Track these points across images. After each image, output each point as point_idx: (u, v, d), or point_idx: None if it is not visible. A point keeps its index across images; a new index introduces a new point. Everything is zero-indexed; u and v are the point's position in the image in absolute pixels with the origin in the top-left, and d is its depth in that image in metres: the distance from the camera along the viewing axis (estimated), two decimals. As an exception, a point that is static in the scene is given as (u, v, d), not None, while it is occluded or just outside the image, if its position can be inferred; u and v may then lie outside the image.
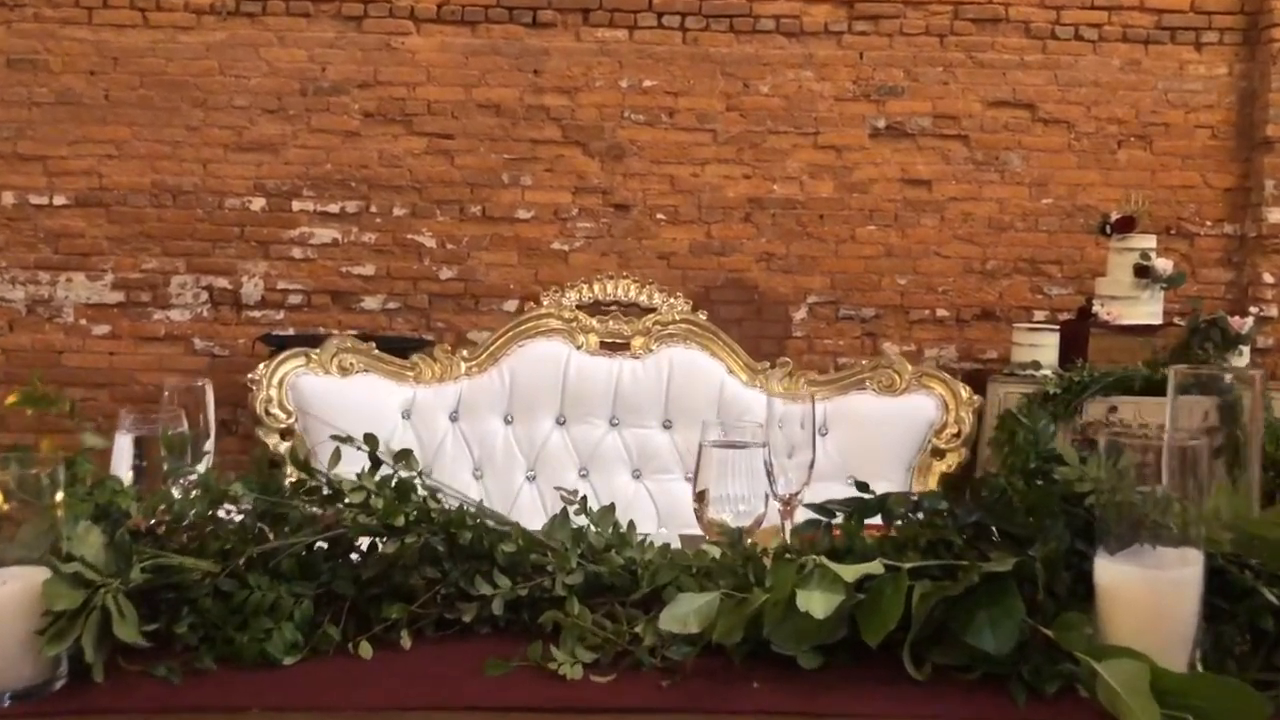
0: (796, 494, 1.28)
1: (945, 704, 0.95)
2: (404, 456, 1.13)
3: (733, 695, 0.96)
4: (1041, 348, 4.52)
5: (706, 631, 0.98)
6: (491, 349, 2.47)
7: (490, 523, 1.12)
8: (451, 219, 5.06)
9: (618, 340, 2.50)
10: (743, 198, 5.05)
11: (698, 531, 2.40)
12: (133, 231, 5.03)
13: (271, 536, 1.07)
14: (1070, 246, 5.07)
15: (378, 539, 1.07)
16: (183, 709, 0.92)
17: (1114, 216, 4.59)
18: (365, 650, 1.03)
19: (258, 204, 5.03)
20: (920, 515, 1.08)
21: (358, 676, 0.99)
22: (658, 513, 2.39)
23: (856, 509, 1.09)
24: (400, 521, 1.06)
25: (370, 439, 1.13)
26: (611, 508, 1.15)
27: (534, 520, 2.32)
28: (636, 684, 0.97)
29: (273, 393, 2.34)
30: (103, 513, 1.05)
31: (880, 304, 5.10)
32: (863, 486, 1.12)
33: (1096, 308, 4.58)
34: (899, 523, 1.08)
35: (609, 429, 2.43)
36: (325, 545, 1.07)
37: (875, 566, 1.00)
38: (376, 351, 2.45)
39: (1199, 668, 0.93)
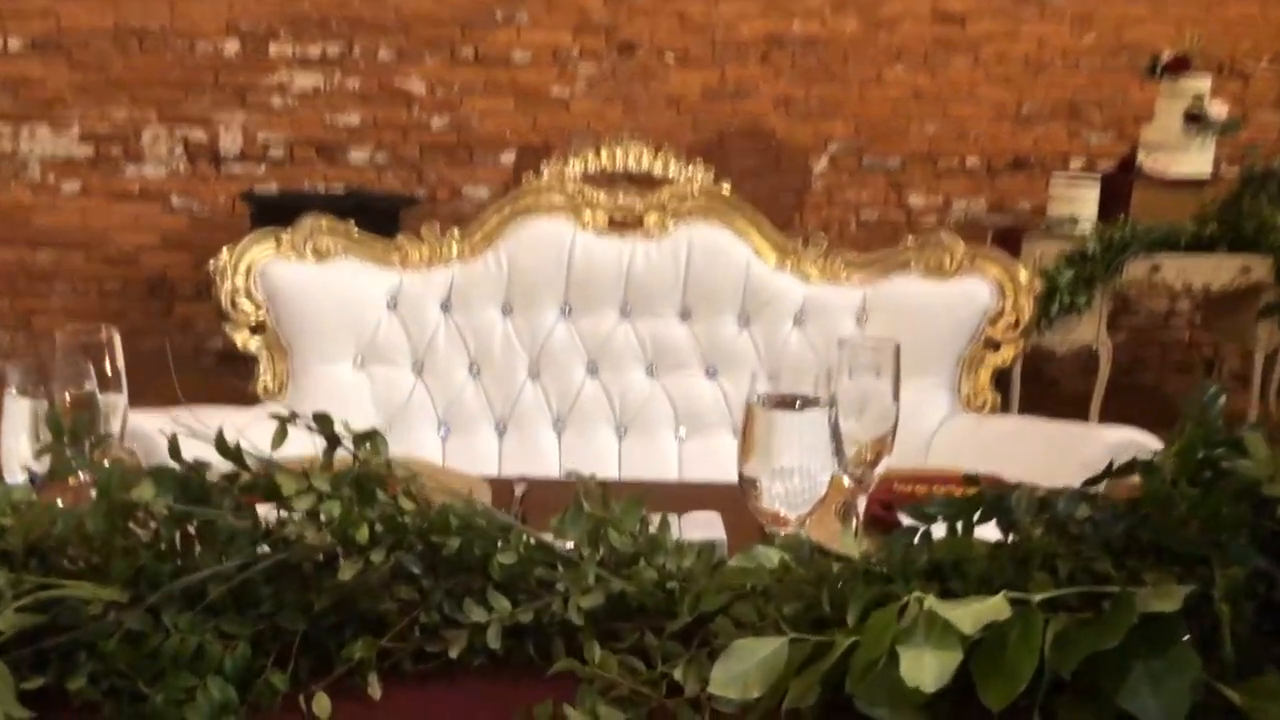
0: (874, 465, 1.01)
1: (1093, 793, 0.71)
2: (368, 438, 0.86)
3: (810, 783, 0.72)
4: (1080, 201, 4.19)
5: (774, 694, 0.74)
6: (486, 228, 2.18)
7: (482, 523, 0.86)
8: (442, 62, 4.66)
9: (629, 217, 2.20)
10: (759, 36, 4.64)
11: (715, 433, 2.17)
12: (97, 79, 4.64)
13: (198, 550, 0.82)
14: (1114, 89, 4.68)
15: (336, 554, 0.82)
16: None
17: (1165, 57, 4.19)
18: (322, 705, 0.78)
19: (231, 47, 4.63)
20: (1051, 518, 0.82)
21: (312, 746, 0.75)
22: (675, 414, 2.14)
23: (963, 511, 0.83)
24: (363, 535, 0.80)
25: (322, 419, 0.86)
26: (638, 502, 0.89)
27: (538, 426, 2.08)
28: (680, 765, 0.73)
29: (239, 282, 2.06)
30: (-41, 536, 0.79)
31: (906, 152, 4.76)
32: (971, 480, 0.86)
33: (1141, 157, 4.24)
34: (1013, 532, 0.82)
35: (620, 320, 2.16)
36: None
37: (999, 608, 0.74)
38: (357, 232, 2.15)
39: None
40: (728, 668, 0.74)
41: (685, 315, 2.17)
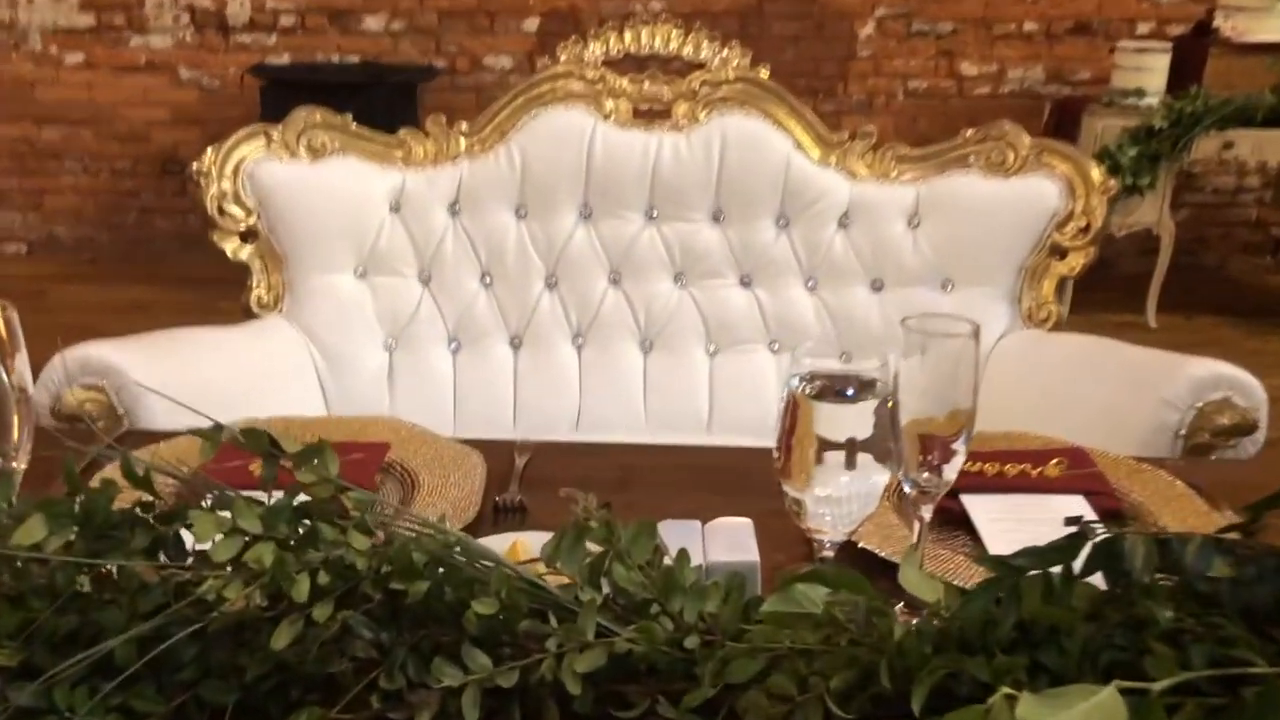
0: (940, 467, 0.82)
1: None
2: (314, 454, 0.69)
3: None
4: (1148, 71, 3.89)
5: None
6: (497, 120, 1.96)
7: (456, 560, 0.69)
8: (460, -79, 4.34)
9: (655, 107, 1.97)
10: (802, -112, 4.27)
11: (750, 348, 1.98)
12: (94, -58, 4.37)
13: (101, 599, 0.66)
14: (1189, -58, 4.29)
15: (267, 612, 0.65)
16: None
17: (1251, -95, 3.82)
18: (256, 796, 0.63)
19: (235, -95, 4.32)
20: (1175, 572, 0.64)
21: None
22: (706, 327, 1.96)
23: (1059, 559, 0.65)
24: (302, 591, 0.64)
25: (254, 435, 0.69)
26: (650, 529, 0.72)
27: (556, 340, 1.91)
28: None
29: (226, 185, 1.87)
30: None
31: (959, 17, 4.42)
32: (1073, 522, 0.68)
33: (1218, 21, 3.90)
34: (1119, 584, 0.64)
35: (645, 223, 1.96)
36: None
37: (1110, 700, 0.57)
38: (355, 127, 1.95)
39: None
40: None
41: (717, 217, 1.96)
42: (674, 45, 1.98)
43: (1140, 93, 3.86)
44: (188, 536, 0.69)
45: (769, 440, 1.88)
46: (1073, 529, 0.66)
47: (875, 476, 0.79)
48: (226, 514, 0.67)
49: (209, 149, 1.87)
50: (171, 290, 4.29)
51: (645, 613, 0.70)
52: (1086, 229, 1.88)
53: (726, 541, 0.80)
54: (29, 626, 0.65)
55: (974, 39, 4.42)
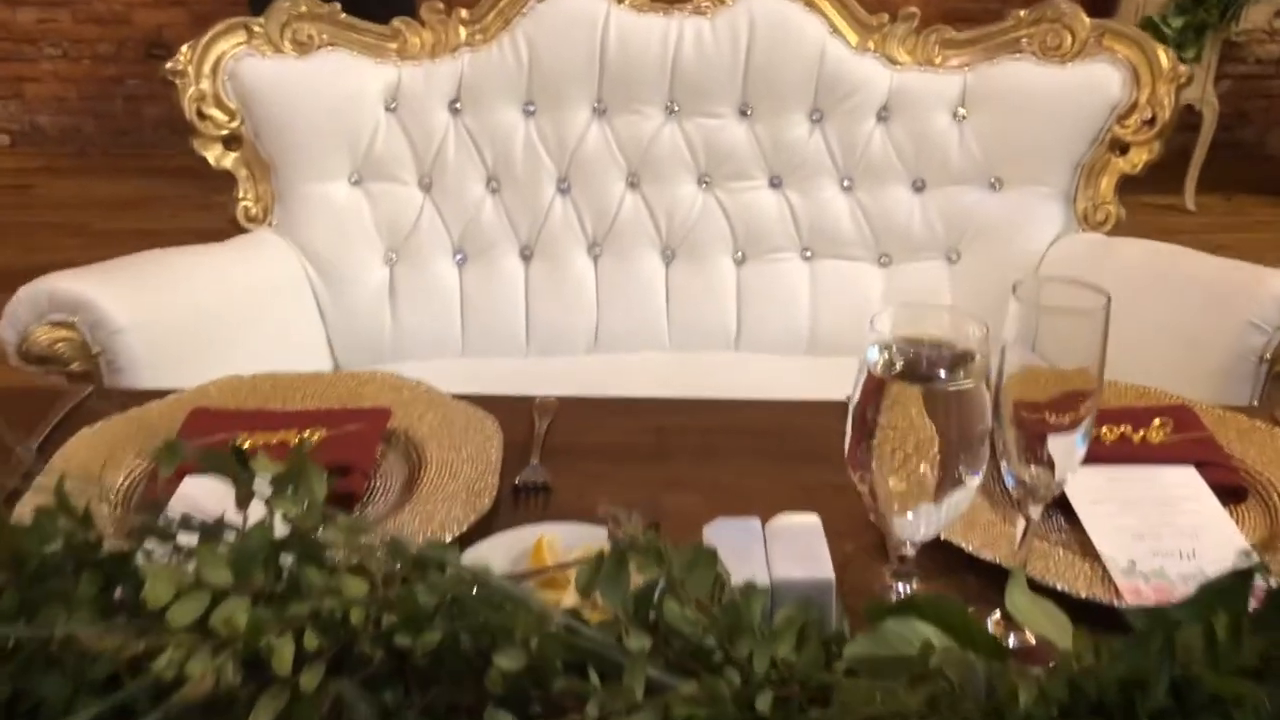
0: (1051, 483, 0.68)
1: None
2: (294, 478, 0.56)
3: None
4: (1196, -69, 3.60)
5: None
6: (500, 6, 1.78)
7: (476, 603, 0.56)
8: None
9: (675, -11, 1.79)
10: None
11: (781, 256, 1.83)
12: None
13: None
14: None
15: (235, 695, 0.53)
16: None
17: None
18: None
19: None
20: None
21: None
22: (733, 234, 1.81)
23: (1221, 604, 0.52)
24: (284, 660, 0.51)
25: (215, 459, 0.55)
26: (709, 557, 0.58)
27: (570, 250, 1.76)
28: None
29: (205, 86, 1.70)
30: None
31: None
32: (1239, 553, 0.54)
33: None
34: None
35: (665, 119, 1.79)
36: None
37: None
38: (344, 17, 1.76)
39: None
40: None
41: (745, 112, 1.79)
42: (695, -82, 1.78)
43: (1187, -45, 3.60)
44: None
45: (800, 356, 1.73)
46: (1241, 565, 0.53)
47: (971, 476, 0.65)
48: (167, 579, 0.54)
49: (184, 46, 1.69)
50: (164, 183, 4.11)
51: (706, 660, 0.58)
52: (1152, 121, 1.72)
53: (794, 551, 0.67)
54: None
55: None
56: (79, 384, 1.09)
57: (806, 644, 0.58)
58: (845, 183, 1.80)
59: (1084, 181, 1.75)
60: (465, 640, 0.57)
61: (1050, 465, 0.66)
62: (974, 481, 0.65)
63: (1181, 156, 3.89)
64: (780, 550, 0.67)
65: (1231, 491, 0.84)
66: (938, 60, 1.78)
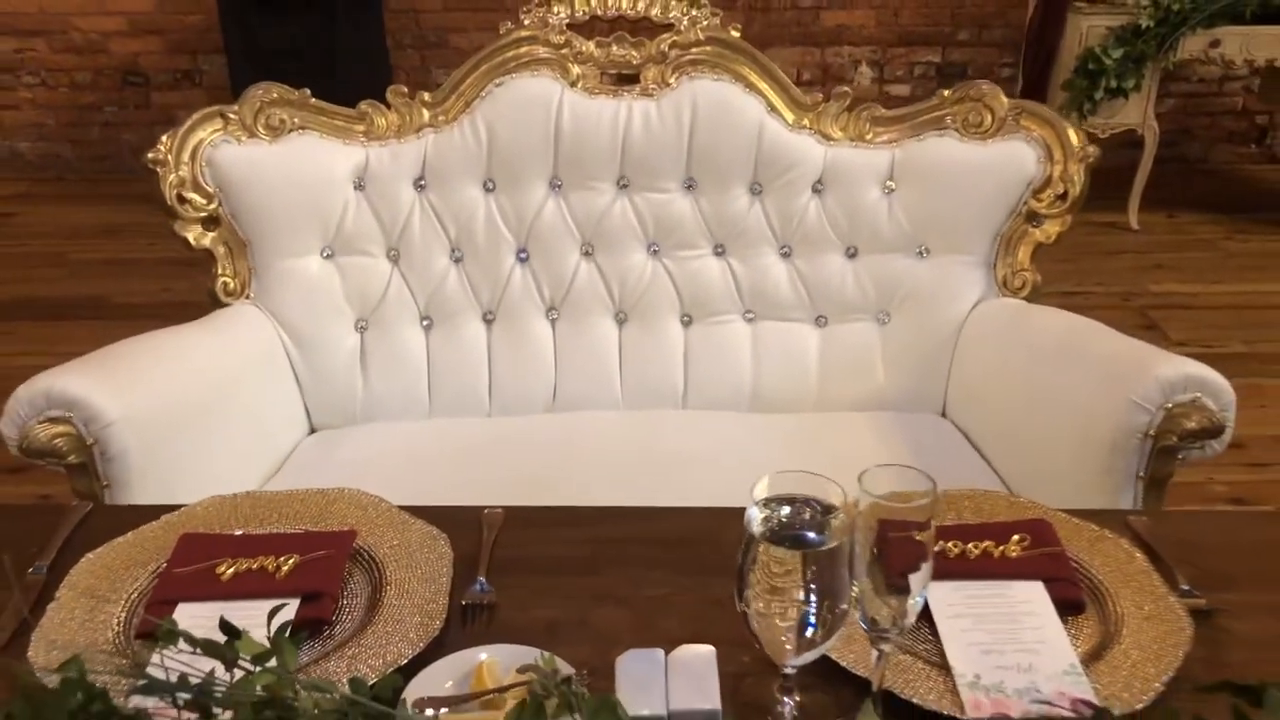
0: (903, 620, 0.82)
1: None
2: (273, 654, 0.70)
3: None
4: (1136, -35, 3.75)
5: None
6: (461, 89, 1.90)
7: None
8: None
9: (624, 72, 1.92)
10: None
11: (725, 319, 1.96)
12: None
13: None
14: None
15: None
16: None
17: None
18: None
19: None
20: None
21: None
22: (680, 298, 1.95)
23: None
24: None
25: (214, 647, 0.69)
26: (611, 706, 0.72)
27: (529, 316, 1.89)
28: None
29: (184, 173, 1.82)
30: None
31: (942, -95, 4.24)
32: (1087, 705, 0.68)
33: (1210, -90, 3.75)
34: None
35: (616, 194, 1.92)
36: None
37: None
38: (314, 102, 1.89)
39: None
40: None
41: (690, 186, 1.93)
42: (641, 6, 1.91)
43: (1128, -12, 3.75)
44: None
45: (743, 412, 1.86)
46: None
47: (838, 614, 0.79)
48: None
49: (165, 136, 1.81)
50: (141, 209, 4.21)
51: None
52: (1064, 196, 1.86)
53: (689, 683, 0.81)
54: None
55: (959, -71, 4.26)
56: (80, 502, 1.21)
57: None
58: (783, 250, 1.94)
59: (1003, 250, 1.89)
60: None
61: (901, 607, 0.80)
62: (841, 619, 0.79)
63: (1126, 176, 4.05)
64: (678, 683, 0.82)
65: (1072, 605, 0.98)
66: (869, 136, 1.92)
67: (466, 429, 1.88)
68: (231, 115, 1.85)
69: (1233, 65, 3.85)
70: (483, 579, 1.02)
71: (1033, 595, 0.97)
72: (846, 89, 1.94)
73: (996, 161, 1.87)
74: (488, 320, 1.95)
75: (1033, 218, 1.88)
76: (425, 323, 1.94)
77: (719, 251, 1.95)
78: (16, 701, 0.68)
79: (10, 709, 0.68)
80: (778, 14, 4.30)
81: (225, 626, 0.71)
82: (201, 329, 1.78)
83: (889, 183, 1.90)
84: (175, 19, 4.32)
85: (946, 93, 1.91)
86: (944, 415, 1.91)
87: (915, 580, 0.80)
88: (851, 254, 1.93)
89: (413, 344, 1.94)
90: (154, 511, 1.12)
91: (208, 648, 0.69)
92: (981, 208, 1.88)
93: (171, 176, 1.82)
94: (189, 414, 1.60)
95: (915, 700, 0.86)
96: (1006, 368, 1.78)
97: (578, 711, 0.72)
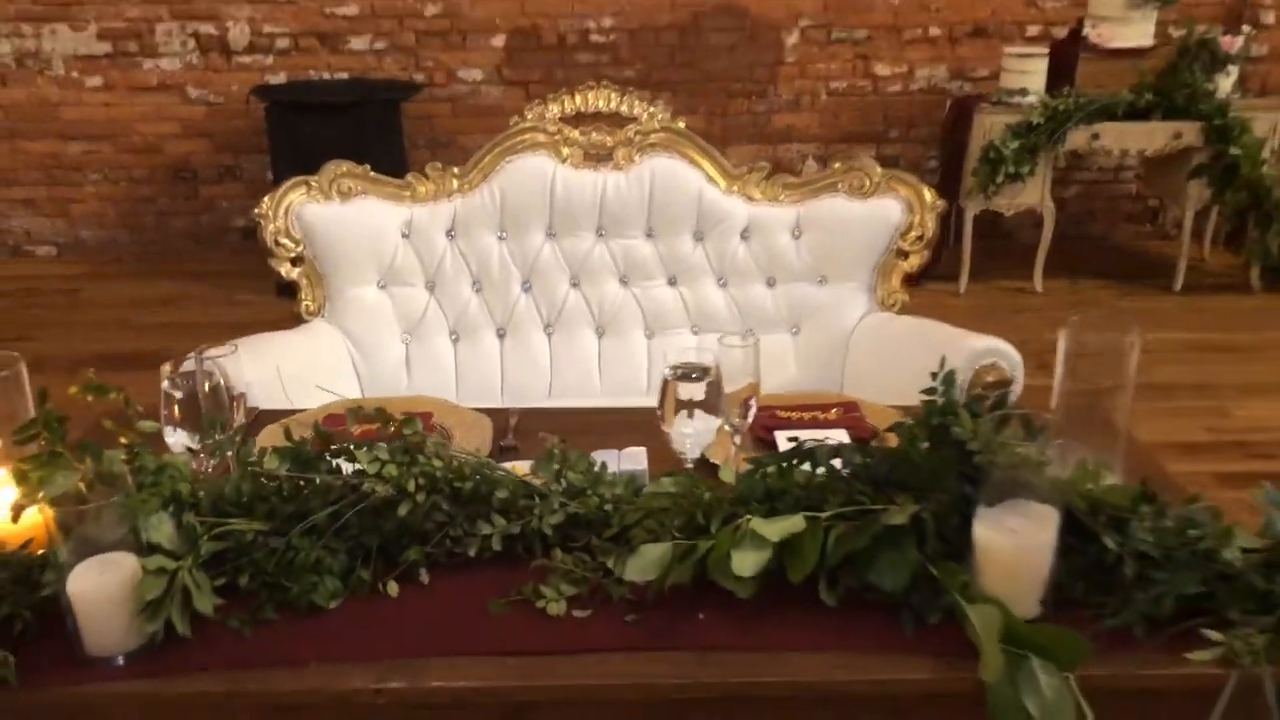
0: (744, 420, 1.47)
1: (850, 631, 1.21)
2: (411, 422, 1.34)
3: (682, 629, 1.22)
4: (1029, 73, 4.54)
5: (663, 577, 1.24)
6: (481, 165, 2.60)
7: (487, 472, 1.34)
8: (433, -48, 4.92)
9: (601, 152, 2.61)
10: (732, -84, 4.87)
11: (676, 332, 2.63)
12: (108, -22, 4.93)
13: (306, 496, 1.31)
14: (1068, -44, 4.93)
15: (396, 498, 1.30)
16: (254, 664, 1.18)
17: (1111, -69, 4.45)
18: (393, 589, 1.28)
19: (233, -56, 4.89)
20: (841, 465, 1.30)
21: (389, 614, 1.25)
22: (644, 316, 2.61)
23: (787, 460, 1.31)
24: (411, 485, 1.29)
25: (381, 412, 1.34)
26: (584, 455, 1.37)
27: (531, 330, 2.56)
28: (609, 620, 1.23)
29: (279, 224, 2.50)
30: (170, 499, 1.27)
31: (873, 24, 5.05)
32: (795, 440, 1.33)
33: (1086, 29, 4.55)
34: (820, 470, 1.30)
35: (596, 240, 2.60)
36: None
37: (798, 523, 1.23)
38: (373, 174, 2.57)
39: (1047, 604, 1.19)
40: (636, 562, 1.24)
41: (650, 234, 2.60)
42: (613, 104, 2.61)
43: (1024, 91, 4.51)
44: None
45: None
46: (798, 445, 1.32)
47: (709, 421, 1.44)
48: (368, 455, 1.32)
49: (265, 198, 2.49)
50: (193, 284, 4.89)
51: (584, 495, 1.35)
52: (921, 237, 2.54)
53: (630, 460, 1.46)
54: (270, 508, 1.30)
55: (886, 44, 5.05)
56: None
57: (627, 488, 1.36)
58: (720, 281, 2.61)
59: (880, 278, 2.57)
60: (483, 487, 1.34)
61: (745, 415, 1.45)
62: (712, 423, 1.44)
63: (1035, 249, 4.77)
64: (625, 460, 1.46)
65: (864, 440, 1.62)
66: (780, 198, 2.61)
67: (485, 414, 2.52)
68: (313, 183, 2.53)
69: (1110, 155, 4.59)
70: (510, 436, 1.66)
71: (840, 436, 1.62)
72: (765, 164, 2.64)
73: (873, 214, 2.55)
74: (500, 335, 2.61)
75: (900, 253, 2.55)
76: (453, 336, 2.60)
77: (672, 282, 2.62)
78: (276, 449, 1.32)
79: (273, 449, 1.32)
80: (734, 117, 5.07)
81: (379, 412, 1.36)
82: (294, 334, 2.44)
83: (796, 230, 2.59)
84: (222, 122, 5.07)
85: (837, 165, 2.61)
86: (840, 400, 2.56)
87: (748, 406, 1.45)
88: (770, 283, 2.61)
89: (444, 352, 2.59)
90: (295, 411, 1.77)
91: (377, 414, 1.33)
92: (863, 247, 2.56)
93: (270, 226, 2.49)
94: (289, 388, 2.25)
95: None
96: (881, 359, 2.44)
97: (568, 458, 1.37)
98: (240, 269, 4.77)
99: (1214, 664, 1.14)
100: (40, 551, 1.25)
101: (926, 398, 1.31)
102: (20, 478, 1.24)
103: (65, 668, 1.17)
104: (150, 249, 5.34)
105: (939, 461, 1.26)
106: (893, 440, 1.32)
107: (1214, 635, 1.15)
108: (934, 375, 1.33)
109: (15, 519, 1.24)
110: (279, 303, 3.56)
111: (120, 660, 1.18)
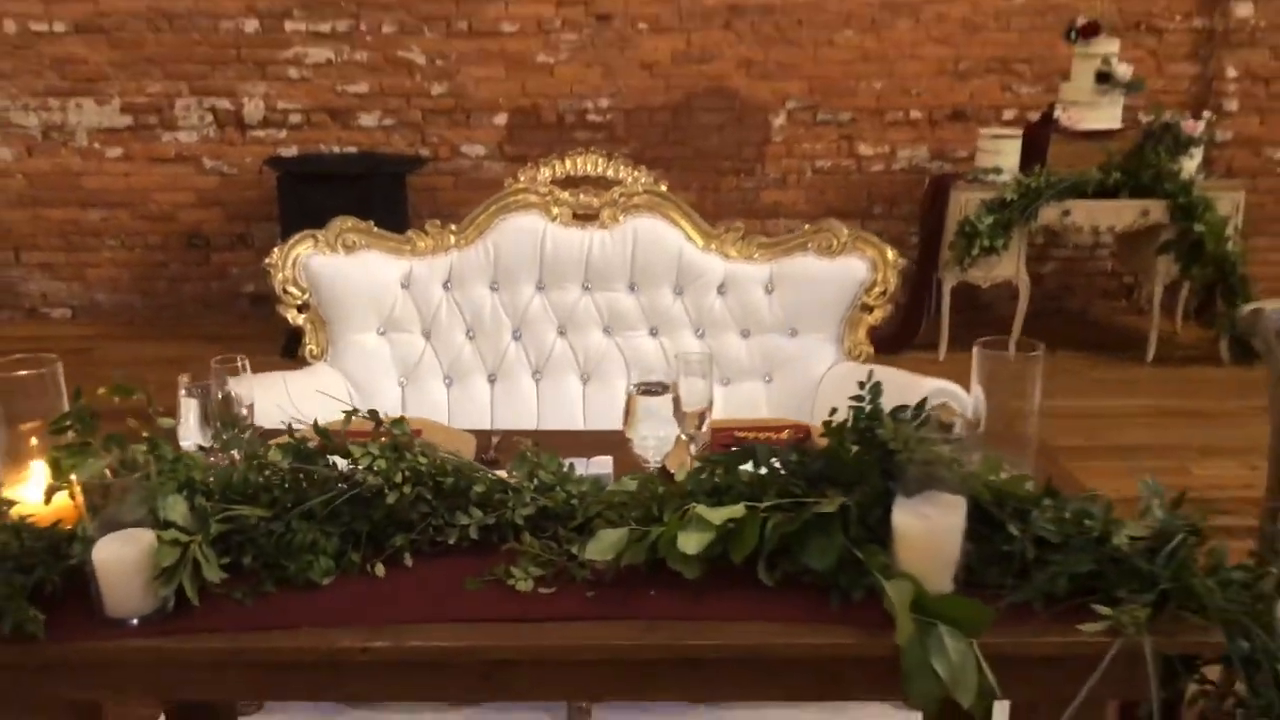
0: (699, 430, 1.64)
1: (786, 605, 1.36)
2: (398, 425, 1.51)
3: (636, 603, 1.37)
4: (1003, 153, 4.77)
5: (619, 557, 1.39)
6: (476, 223, 2.79)
7: (466, 469, 1.51)
8: (439, 35, 5.21)
9: (588, 212, 2.81)
10: (722, 4, 5.17)
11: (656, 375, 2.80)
12: (134, 57, 5.22)
13: (305, 486, 1.47)
14: (1042, 46, 5.22)
15: (384, 489, 1.47)
16: (255, 627, 1.34)
17: (1079, 21, 4.73)
18: (380, 570, 1.44)
19: (251, 25, 5.18)
20: (779, 464, 1.46)
21: (376, 590, 1.41)
22: (626, 364, 2.78)
23: (734, 459, 1.48)
24: (399, 478, 1.46)
25: (373, 414, 1.51)
26: (555, 457, 1.54)
27: (520, 376, 2.74)
28: (570, 595, 1.39)
29: (288, 273, 2.69)
30: (185, 484, 1.44)
31: (856, 107, 5.31)
32: (747, 454, 1.50)
33: (1058, 113, 4.80)
34: (763, 469, 1.47)
35: (582, 293, 2.79)
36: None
37: (739, 510, 1.39)
38: (376, 229, 2.77)
39: (959, 582, 1.34)
40: (596, 544, 1.40)
41: (633, 288, 2.79)
42: (600, 169, 2.82)
43: (998, 170, 4.74)
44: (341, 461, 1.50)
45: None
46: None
47: (668, 430, 1.61)
48: (361, 449, 1.48)
49: (275, 249, 2.69)
50: (200, 346, 5.08)
51: (553, 490, 1.52)
52: (885, 292, 2.72)
53: (597, 466, 1.62)
54: (272, 497, 1.46)
55: (869, 125, 5.31)
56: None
57: (592, 487, 1.53)
58: (698, 332, 2.80)
59: (847, 330, 2.75)
60: (463, 481, 1.50)
61: (700, 428, 1.61)
62: (670, 433, 1.60)
63: (1011, 319, 4.95)
64: (592, 466, 1.62)
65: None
66: (754, 256, 2.80)
67: (474, 453, 2.69)
68: (320, 236, 2.73)
69: (1081, 231, 4.81)
70: (492, 452, 1.83)
71: (788, 451, 1.78)
72: (740, 225, 2.84)
73: (841, 271, 2.74)
74: (491, 380, 2.78)
75: (865, 308, 2.74)
76: (447, 380, 2.78)
77: (653, 333, 2.80)
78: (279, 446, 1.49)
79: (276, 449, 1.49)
80: (725, 193, 5.32)
81: (372, 413, 1.53)
82: (298, 375, 2.61)
83: (769, 286, 2.77)
84: (235, 193, 5.31)
85: (808, 226, 2.81)
86: (809, 444, 2.72)
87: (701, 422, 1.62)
88: (745, 334, 2.79)
89: (438, 395, 2.76)
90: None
91: (371, 414, 1.50)
92: (831, 302, 2.75)
93: (279, 275, 2.68)
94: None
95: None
96: (846, 404, 2.60)
97: (541, 459, 1.53)
98: (249, 333, 4.98)
99: (1102, 634, 1.29)
100: (68, 528, 1.41)
101: (854, 404, 1.47)
102: (54, 464, 1.42)
103: (87, 627, 1.33)
104: (162, 313, 5.54)
105: (864, 460, 1.42)
106: (824, 443, 1.48)
107: (1103, 610, 1.31)
108: (861, 385, 1.49)
109: (47, 501, 1.41)
110: (285, 365, 3.75)
111: (135, 622, 1.33)
